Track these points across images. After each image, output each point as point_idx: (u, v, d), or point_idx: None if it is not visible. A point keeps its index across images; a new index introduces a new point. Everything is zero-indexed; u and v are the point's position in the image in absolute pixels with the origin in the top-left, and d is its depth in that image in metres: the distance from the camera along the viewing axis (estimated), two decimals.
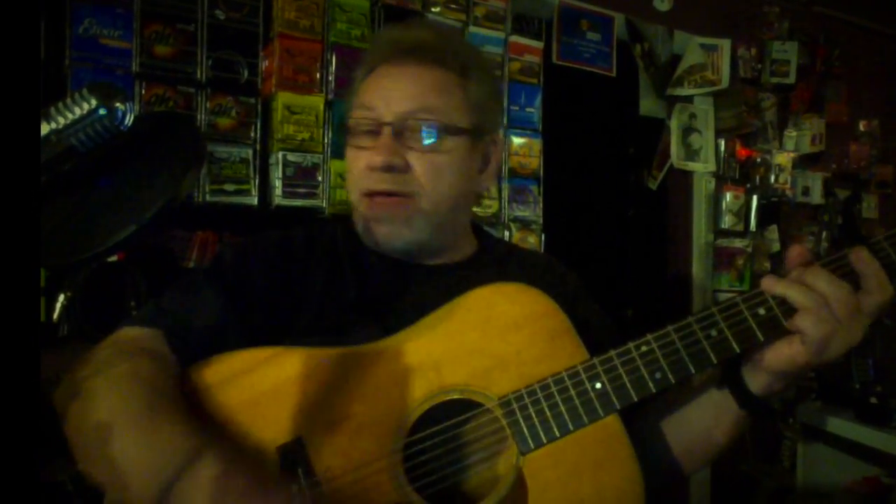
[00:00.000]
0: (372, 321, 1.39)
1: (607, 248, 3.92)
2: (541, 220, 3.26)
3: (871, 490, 3.29)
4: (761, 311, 1.21)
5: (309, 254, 1.50)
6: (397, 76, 1.44)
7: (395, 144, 1.41)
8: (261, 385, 1.28)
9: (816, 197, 4.24)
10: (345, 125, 1.50)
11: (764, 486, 3.82)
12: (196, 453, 1.12)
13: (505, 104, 3.16)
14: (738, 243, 3.96)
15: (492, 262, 1.59)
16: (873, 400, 3.19)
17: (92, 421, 1.20)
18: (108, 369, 1.25)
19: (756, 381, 1.27)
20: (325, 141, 2.74)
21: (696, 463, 1.45)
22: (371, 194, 1.44)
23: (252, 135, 2.65)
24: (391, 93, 1.43)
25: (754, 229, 4.02)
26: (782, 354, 1.20)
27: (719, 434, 1.37)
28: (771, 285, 1.21)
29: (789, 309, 1.19)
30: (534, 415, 1.23)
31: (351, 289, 1.46)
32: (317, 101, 2.71)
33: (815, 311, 1.16)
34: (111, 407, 1.20)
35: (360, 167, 1.44)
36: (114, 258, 2.31)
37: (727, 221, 3.95)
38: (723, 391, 1.31)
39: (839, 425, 3.29)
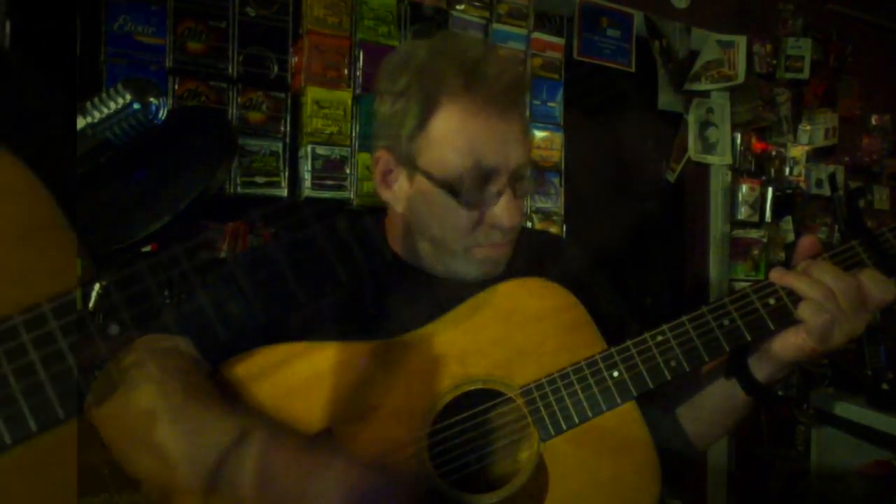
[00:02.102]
0: (393, 316, 1.43)
1: (627, 238, 3.94)
2: (562, 212, 3.29)
3: (882, 473, 3.28)
4: (771, 301, 1.25)
5: (321, 255, 1.52)
6: (505, 123, 1.34)
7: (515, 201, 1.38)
8: (293, 378, 1.31)
9: (829, 189, 4.20)
10: (445, 180, 1.35)
11: (779, 469, 3.82)
12: (240, 433, 1.14)
13: (527, 98, 3.19)
14: (753, 234, 3.96)
15: None
16: (885, 386, 3.19)
17: (131, 417, 1.22)
18: (139, 369, 1.26)
19: (762, 370, 1.32)
20: (353, 134, 2.76)
21: (707, 441, 1.51)
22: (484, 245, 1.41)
23: (282, 129, 2.68)
24: (507, 141, 1.34)
25: (769, 220, 4.02)
26: (790, 343, 1.25)
27: (726, 417, 1.44)
28: (779, 277, 1.26)
29: (798, 299, 1.24)
30: (554, 403, 1.27)
31: (369, 287, 1.47)
32: (345, 96, 2.73)
33: (818, 301, 1.21)
34: (148, 402, 1.21)
35: (477, 223, 1.38)
36: (147, 248, 2.37)
37: (743, 213, 3.95)
38: (730, 380, 1.35)
39: (851, 411, 3.30)
